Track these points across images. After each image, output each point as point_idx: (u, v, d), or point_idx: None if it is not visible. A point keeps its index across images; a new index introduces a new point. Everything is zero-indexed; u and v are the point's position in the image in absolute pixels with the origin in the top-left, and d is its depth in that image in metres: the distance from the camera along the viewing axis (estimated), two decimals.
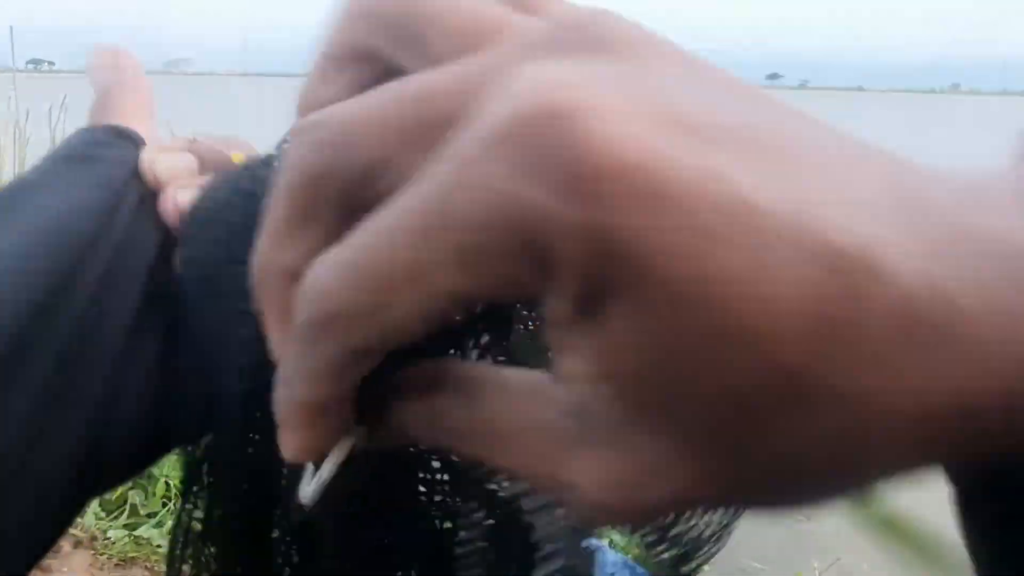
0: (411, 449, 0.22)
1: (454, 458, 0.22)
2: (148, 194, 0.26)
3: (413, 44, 0.13)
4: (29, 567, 0.24)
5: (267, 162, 0.26)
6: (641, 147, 0.09)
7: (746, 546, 2.81)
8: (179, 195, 0.26)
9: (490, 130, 0.10)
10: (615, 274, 0.10)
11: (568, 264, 0.10)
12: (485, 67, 0.11)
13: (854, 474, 0.11)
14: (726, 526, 0.26)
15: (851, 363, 0.09)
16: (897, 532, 0.31)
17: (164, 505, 1.90)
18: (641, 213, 0.09)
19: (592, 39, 0.11)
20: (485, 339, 0.20)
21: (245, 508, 0.25)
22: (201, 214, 0.25)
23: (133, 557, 1.76)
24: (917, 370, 0.09)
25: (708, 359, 0.10)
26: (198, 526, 0.26)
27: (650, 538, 0.24)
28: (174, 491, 1.91)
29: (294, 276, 0.13)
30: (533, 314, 0.21)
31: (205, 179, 0.26)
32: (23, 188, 0.26)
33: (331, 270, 0.12)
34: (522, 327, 0.21)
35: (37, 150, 3.16)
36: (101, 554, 1.74)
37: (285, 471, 0.22)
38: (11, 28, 6.28)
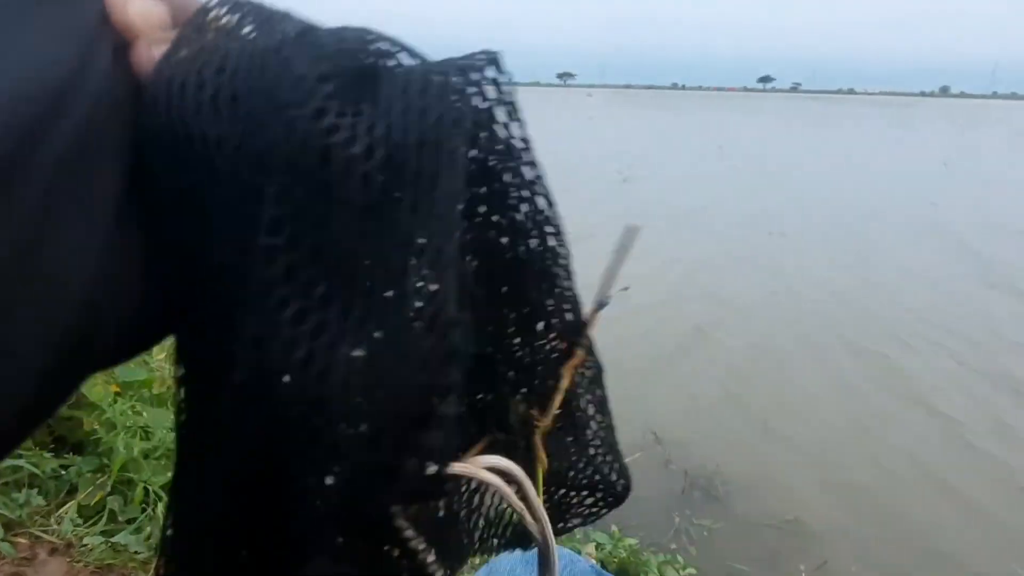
0: None
1: None
2: (121, 45, 0.24)
3: None
4: (21, 427, 0.22)
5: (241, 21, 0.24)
6: None
7: (733, 548, 2.81)
8: (153, 49, 0.23)
9: None
10: None
11: None
12: None
13: None
14: None
15: None
16: None
17: (143, 511, 1.87)
18: None
19: None
20: None
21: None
22: (171, 75, 0.23)
23: (110, 564, 1.73)
24: None
25: None
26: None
27: None
28: (153, 497, 1.88)
29: None
30: None
31: (176, 33, 0.24)
32: None
33: None
34: None
35: None
36: (77, 562, 1.71)
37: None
38: None
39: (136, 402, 2.05)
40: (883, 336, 4.95)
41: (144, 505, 1.87)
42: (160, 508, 1.85)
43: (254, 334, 0.22)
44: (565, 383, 0.36)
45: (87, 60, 0.22)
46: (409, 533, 0.24)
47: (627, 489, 0.42)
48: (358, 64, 0.23)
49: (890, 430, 3.70)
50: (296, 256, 0.22)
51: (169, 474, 1.72)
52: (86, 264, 0.22)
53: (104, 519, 1.83)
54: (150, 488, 1.88)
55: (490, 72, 0.25)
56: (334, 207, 0.22)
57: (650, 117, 39.22)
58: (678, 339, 4.78)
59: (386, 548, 0.24)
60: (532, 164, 0.27)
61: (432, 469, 0.22)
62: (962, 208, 9.84)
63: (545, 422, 0.36)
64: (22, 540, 1.73)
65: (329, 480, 0.21)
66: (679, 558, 2.30)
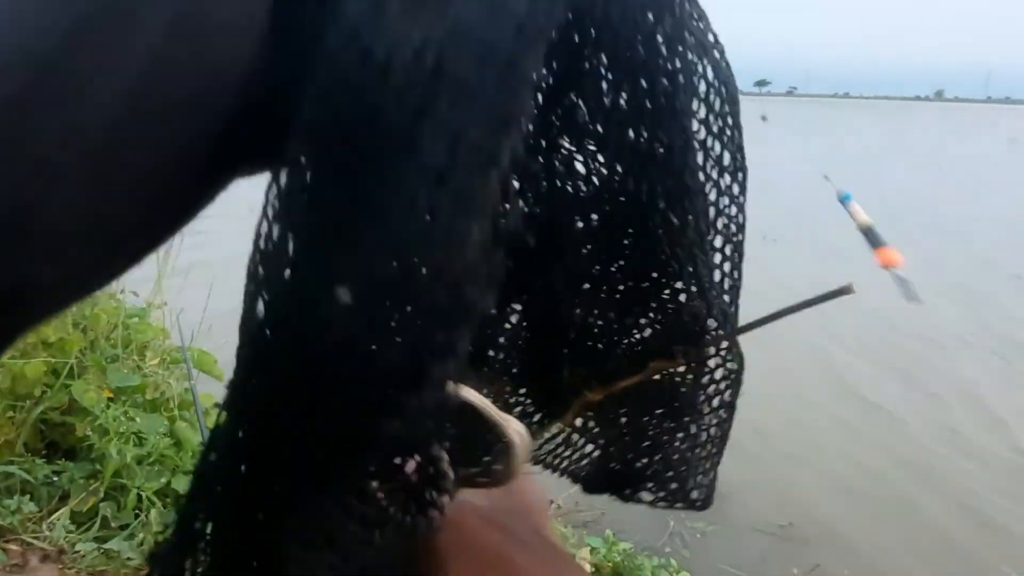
0: None
1: None
2: None
3: None
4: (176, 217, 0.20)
5: None
6: None
7: (726, 552, 2.81)
8: None
9: None
10: None
11: None
12: None
13: None
14: None
15: None
16: None
17: (136, 517, 1.86)
18: None
19: None
20: None
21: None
22: None
23: (103, 571, 1.72)
24: None
25: None
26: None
27: None
28: (146, 503, 1.87)
29: None
30: None
31: None
32: None
33: None
34: None
35: None
36: (69, 568, 1.70)
37: None
38: None
39: (129, 408, 2.05)
40: (878, 337, 4.97)
41: (137, 511, 1.87)
42: (153, 514, 1.84)
43: None
44: (638, 378, 0.34)
45: None
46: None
47: (704, 503, 0.42)
48: None
49: (884, 434, 3.71)
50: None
51: (163, 480, 1.69)
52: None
53: (97, 525, 1.83)
54: (143, 494, 1.87)
55: None
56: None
57: None
58: None
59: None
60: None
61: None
62: (962, 208, 9.90)
63: (594, 396, 0.35)
64: (13, 547, 1.72)
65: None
66: (673, 562, 2.31)
